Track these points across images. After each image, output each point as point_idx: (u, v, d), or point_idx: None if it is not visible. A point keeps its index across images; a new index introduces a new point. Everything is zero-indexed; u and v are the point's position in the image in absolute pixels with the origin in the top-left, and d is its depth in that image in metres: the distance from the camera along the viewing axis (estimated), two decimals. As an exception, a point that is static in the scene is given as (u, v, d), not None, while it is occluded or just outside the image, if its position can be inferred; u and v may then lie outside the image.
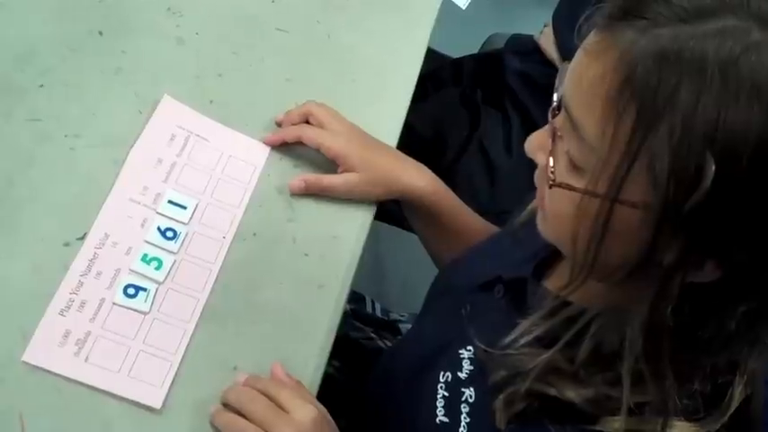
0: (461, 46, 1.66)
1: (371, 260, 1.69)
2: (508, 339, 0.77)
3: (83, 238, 0.89)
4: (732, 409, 0.71)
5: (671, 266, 0.63)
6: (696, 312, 0.66)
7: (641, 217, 0.62)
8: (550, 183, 0.68)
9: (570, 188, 0.66)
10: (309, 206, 1.02)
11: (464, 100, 1.62)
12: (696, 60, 0.58)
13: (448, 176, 1.48)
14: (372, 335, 1.27)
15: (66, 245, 0.89)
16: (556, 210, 0.71)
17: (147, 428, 0.82)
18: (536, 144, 0.73)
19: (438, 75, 1.67)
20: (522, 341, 0.76)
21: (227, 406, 0.84)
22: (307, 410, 0.83)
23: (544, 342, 0.75)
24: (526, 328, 0.76)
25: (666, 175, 0.59)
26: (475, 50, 1.76)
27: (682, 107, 0.58)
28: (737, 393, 0.71)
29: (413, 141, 1.50)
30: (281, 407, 0.83)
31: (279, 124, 1.06)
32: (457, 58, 1.69)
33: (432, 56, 1.54)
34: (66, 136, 0.96)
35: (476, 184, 1.51)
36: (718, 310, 0.66)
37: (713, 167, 0.57)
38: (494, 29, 1.64)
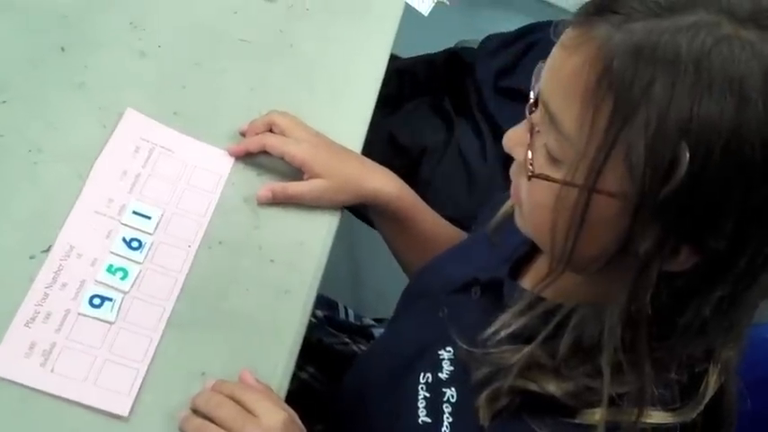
0: (426, 53, 1.67)
1: (344, 267, 1.71)
2: (488, 333, 0.78)
3: (48, 250, 0.90)
4: (707, 398, 0.73)
5: (648, 254, 0.65)
6: (673, 300, 0.68)
7: (618, 206, 0.64)
8: (529, 174, 0.69)
9: (549, 179, 0.68)
10: (275, 213, 1.03)
11: (435, 108, 1.63)
12: (670, 54, 0.60)
13: (428, 183, 1.51)
14: (347, 340, 1.28)
15: (32, 258, 0.89)
16: (534, 201, 0.72)
17: (115, 435, 0.82)
18: (514, 140, 0.74)
19: (413, 71, 1.69)
20: (502, 334, 0.77)
21: (196, 412, 0.84)
22: (275, 414, 0.83)
23: (525, 338, 0.76)
24: (505, 321, 0.77)
25: (642, 165, 0.61)
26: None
27: (657, 99, 0.60)
28: (713, 382, 0.73)
29: (395, 150, 1.53)
30: (249, 411, 0.83)
31: (243, 134, 1.07)
32: (430, 57, 1.71)
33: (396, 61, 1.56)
34: (29, 151, 0.97)
35: (455, 191, 1.52)
36: (694, 296, 0.68)
37: (687, 156, 0.60)
38: (458, 36, 1.65)
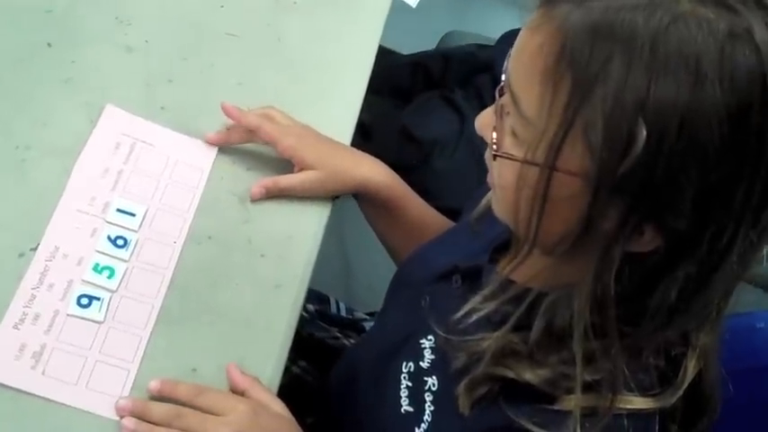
0: (415, 45, 1.67)
1: (335, 261, 1.70)
2: (459, 315, 0.78)
3: (36, 248, 0.89)
4: (686, 384, 0.74)
5: (611, 233, 0.65)
6: (641, 282, 0.68)
7: (579, 185, 0.65)
8: (493, 153, 0.70)
9: (511, 158, 0.69)
10: (264, 207, 1.03)
11: (446, 100, 1.64)
12: (627, 32, 0.61)
13: (441, 176, 1.51)
14: (338, 334, 1.28)
15: (21, 255, 0.89)
16: (501, 182, 0.73)
17: (107, 437, 0.82)
18: (484, 122, 0.74)
19: (426, 65, 1.69)
20: (474, 317, 0.77)
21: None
22: (239, 404, 0.83)
23: (499, 325, 0.76)
24: (476, 304, 0.78)
25: (600, 142, 0.62)
26: (430, 49, 1.77)
27: (614, 77, 0.61)
28: (691, 367, 0.74)
29: (409, 143, 1.54)
30: (211, 411, 0.83)
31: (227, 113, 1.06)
32: (445, 52, 1.71)
33: (386, 53, 1.56)
34: (17, 147, 0.96)
35: (468, 183, 1.53)
36: (661, 277, 0.68)
37: (644, 133, 0.60)
38: (447, 27, 1.65)
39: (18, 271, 0.87)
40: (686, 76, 0.60)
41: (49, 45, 1.07)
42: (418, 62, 1.68)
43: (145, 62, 1.10)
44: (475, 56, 1.68)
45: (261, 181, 1.03)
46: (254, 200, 1.02)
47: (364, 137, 1.55)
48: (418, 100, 1.63)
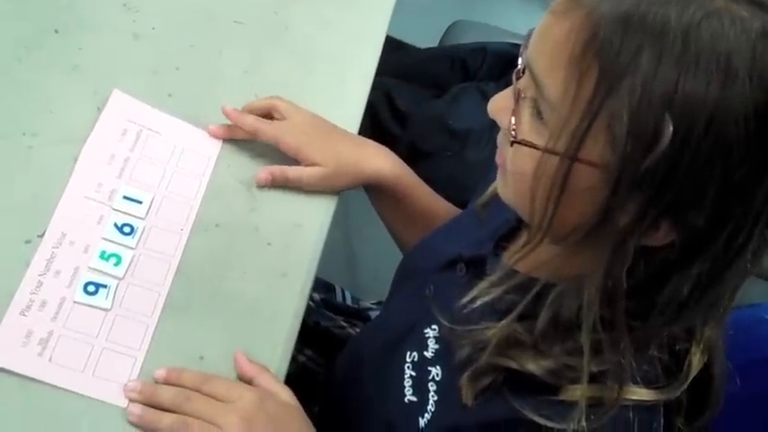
0: (422, 34, 1.67)
1: (342, 250, 1.71)
2: (464, 301, 0.77)
3: (43, 235, 0.89)
4: (691, 377, 0.73)
5: (626, 227, 0.64)
6: (652, 276, 0.68)
7: (599, 176, 0.64)
8: (512, 140, 0.69)
9: (531, 145, 0.68)
10: (272, 195, 1.02)
11: (481, 91, 1.64)
12: (658, 25, 0.60)
13: (474, 167, 1.52)
14: (343, 323, 1.28)
15: (28, 242, 0.89)
16: (516, 168, 0.72)
17: (114, 424, 0.81)
18: (499, 106, 0.73)
19: (463, 58, 1.70)
20: (478, 303, 0.76)
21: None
22: (246, 392, 0.83)
23: (505, 314, 0.75)
24: (482, 290, 0.77)
25: (625, 135, 0.61)
26: (436, 38, 1.77)
27: (642, 70, 0.60)
28: (696, 361, 0.74)
29: (445, 134, 1.55)
30: (218, 399, 0.83)
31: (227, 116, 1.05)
32: (482, 46, 1.72)
33: (394, 44, 1.56)
34: (24, 134, 0.96)
35: None
36: (672, 273, 0.67)
37: (671, 128, 0.59)
38: (454, 16, 1.65)
39: (25, 257, 0.87)
40: (716, 72, 0.59)
41: (56, 32, 1.06)
42: (455, 56, 1.68)
43: (152, 49, 1.10)
44: (509, 53, 1.69)
45: (269, 167, 1.02)
46: (260, 185, 1.02)
47: (401, 125, 1.56)
48: (453, 90, 1.64)
